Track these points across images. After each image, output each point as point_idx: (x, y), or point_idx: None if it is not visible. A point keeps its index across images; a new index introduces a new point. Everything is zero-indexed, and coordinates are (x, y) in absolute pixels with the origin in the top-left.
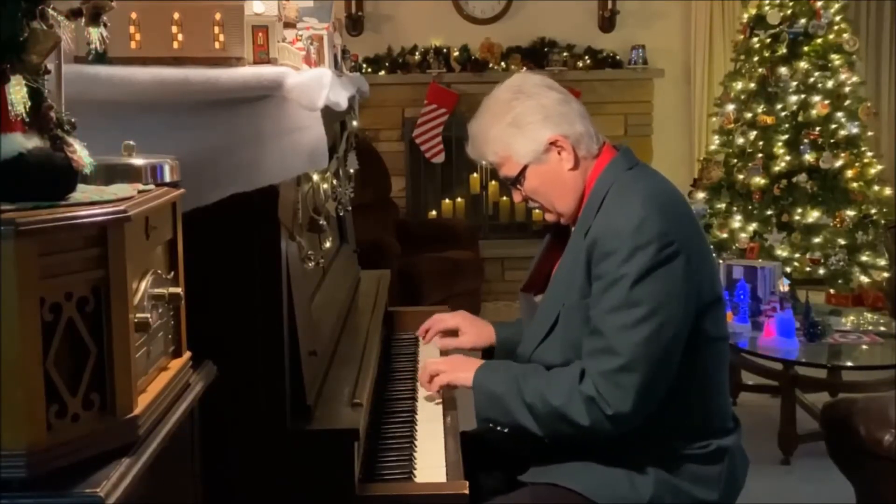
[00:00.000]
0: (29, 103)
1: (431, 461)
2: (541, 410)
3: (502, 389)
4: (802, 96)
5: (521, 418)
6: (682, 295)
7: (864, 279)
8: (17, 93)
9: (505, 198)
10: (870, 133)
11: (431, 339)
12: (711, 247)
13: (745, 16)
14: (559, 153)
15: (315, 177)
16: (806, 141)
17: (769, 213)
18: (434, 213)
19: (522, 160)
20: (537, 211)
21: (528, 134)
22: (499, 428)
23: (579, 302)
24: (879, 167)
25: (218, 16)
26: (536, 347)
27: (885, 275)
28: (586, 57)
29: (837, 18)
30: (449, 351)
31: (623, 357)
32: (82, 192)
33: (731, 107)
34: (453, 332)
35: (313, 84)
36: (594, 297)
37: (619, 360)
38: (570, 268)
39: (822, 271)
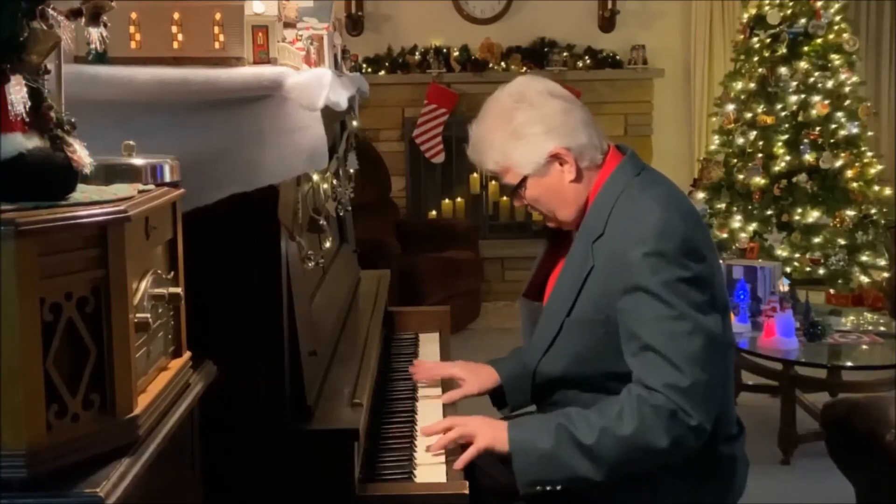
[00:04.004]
0: (29, 103)
1: (431, 461)
2: (606, 449)
3: (551, 443)
4: (802, 96)
5: (579, 467)
6: (713, 295)
7: (864, 279)
8: (17, 93)
9: (505, 198)
10: (870, 133)
11: (426, 377)
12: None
13: (745, 16)
14: (561, 165)
15: (315, 177)
16: (806, 141)
17: (769, 213)
18: (434, 213)
19: (523, 171)
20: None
21: (529, 145)
22: (549, 488)
23: (592, 316)
24: (879, 167)
25: (218, 16)
26: (542, 357)
27: (885, 275)
28: (586, 57)
29: (837, 18)
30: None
31: (687, 369)
32: (82, 192)
33: (731, 107)
34: (452, 383)
35: (313, 84)
36: (630, 310)
37: (683, 372)
38: (574, 275)
39: (822, 271)
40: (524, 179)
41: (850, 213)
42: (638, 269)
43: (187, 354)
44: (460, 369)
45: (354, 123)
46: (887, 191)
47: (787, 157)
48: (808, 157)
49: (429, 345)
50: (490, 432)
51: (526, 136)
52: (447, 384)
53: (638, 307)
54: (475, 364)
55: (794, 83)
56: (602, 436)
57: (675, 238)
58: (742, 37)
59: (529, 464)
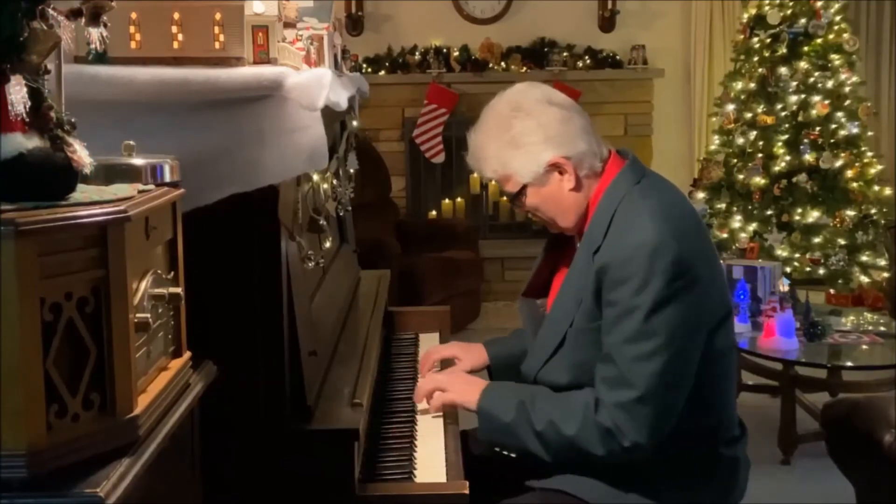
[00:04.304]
0: (29, 103)
1: (431, 461)
2: (552, 439)
3: (510, 417)
4: (802, 96)
5: (530, 445)
6: (697, 322)
7: (864, 279)
8: (17, 93)
9: (505, 198)
10: (870, 133)
11: (430, 370)
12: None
13: (745, 16)
14: (560, 174)
15: (315, 177)
16: (806, 141)
17: (769, 213)
18: (434, 213)
19: (522, 180)
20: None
21: (527, 155)
22: (505, 452)
23: (588, 325)
24: (879, 167)
25: (218, 16)
26: (542, 367)
27: (885, 275)
28: (586, 57)
29: (837, 18)
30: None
31: (638, 389)
32: (82, 192)
33: (731, 107)
34: (450, 362)
35: (313, 84)
36: (607, 324)
37: (634, 391)
38: (576, 286)
39: (822, 271)
40: (524, 188)
41: (850, 213)
42: (622, 286)
43: (187, 354)
44: (456, 349)
45: (354, 123)
46: (887, 191)
47: (787, 157)
48: (808, 157)
49: (429, 345)
50: (465, 390)
51: (524, 146)
52: (446, 365)
53: (612, 320)
54: (469, 344)
55: (794, 83)
56: (549, 427)
57: (665, 259)
58: (742, 37)
59: (490, 429)
